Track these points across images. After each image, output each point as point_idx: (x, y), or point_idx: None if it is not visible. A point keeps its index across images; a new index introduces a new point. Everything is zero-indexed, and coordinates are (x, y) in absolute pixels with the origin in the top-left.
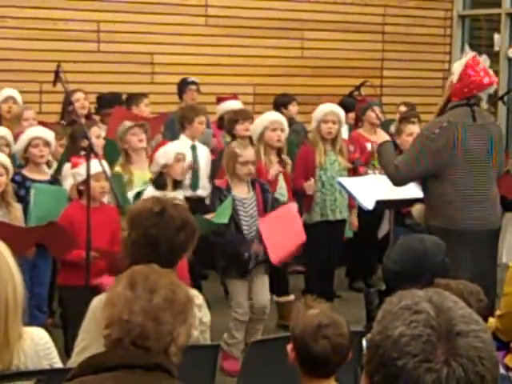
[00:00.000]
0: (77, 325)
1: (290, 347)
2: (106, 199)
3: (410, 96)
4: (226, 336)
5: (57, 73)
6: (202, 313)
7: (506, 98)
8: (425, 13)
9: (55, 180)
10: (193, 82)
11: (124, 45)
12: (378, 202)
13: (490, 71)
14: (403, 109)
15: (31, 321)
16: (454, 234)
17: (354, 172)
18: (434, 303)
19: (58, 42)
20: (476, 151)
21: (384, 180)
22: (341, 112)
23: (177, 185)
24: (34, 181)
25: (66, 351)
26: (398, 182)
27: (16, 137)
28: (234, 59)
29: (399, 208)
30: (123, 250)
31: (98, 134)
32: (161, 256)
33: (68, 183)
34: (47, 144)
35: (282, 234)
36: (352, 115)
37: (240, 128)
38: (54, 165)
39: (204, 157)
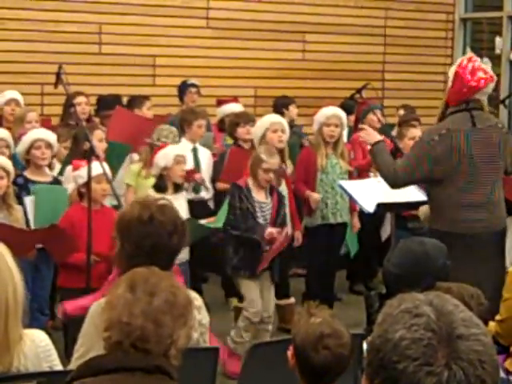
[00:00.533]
0: (77, 327)
1: (290, 353)
2: (107, 201)
3: (411, 99)
4: (233, 334)
5: (58, 75)
6: (201, 315)
7: (507, 102)
8: (426, 16)
9: (56, 182)
10: (193, 85)
11: (125, 47)
12: (379, 205)
13: (487, 69)
14: (402, 112)
15: (32, 323)
16: (457, 237)
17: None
18: (434, 306)
19: (59, 44)
20: (478, 156)
21: (385, 183)
22: (343, 115)
23: (177, 188)
24: (35, 183)
25: (66, 353)
26: (396, 185)
27: (18, 138)
28: (236, 62)
29: (400, 211)
30: (118, 263)
31: (100, 137)
32: (157, 262)
33: (70, 187)
34: (49, 146)
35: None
36: (353, 118)
37: (241, 131)
38: (58, 166)
39: (205, 159)
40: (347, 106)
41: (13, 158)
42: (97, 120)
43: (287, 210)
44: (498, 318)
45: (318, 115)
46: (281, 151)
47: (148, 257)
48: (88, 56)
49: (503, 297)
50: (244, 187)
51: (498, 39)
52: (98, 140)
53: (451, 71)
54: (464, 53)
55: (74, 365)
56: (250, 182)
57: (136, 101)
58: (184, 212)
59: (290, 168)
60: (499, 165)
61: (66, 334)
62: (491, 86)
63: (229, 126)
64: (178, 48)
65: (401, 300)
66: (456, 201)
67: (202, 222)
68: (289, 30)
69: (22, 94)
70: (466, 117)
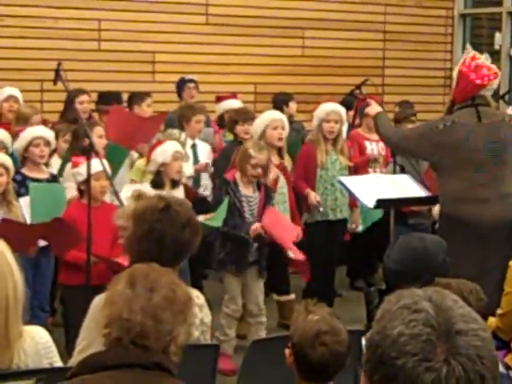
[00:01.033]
0: (78, 324)
1: (288, 352)
2: (107, 197)
3: (411, 95)
4: (217, 333)
5: (57, 71)
6: (203, 313)
7: (507, 97)
8: (426, 11)
9: (54, 179)
10: (191, 80)
11: (125, 43)
12: (379, 201)
13: (491, 66)
14: (398, 109)
15: (33, 320)
16: (462, 222)
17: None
18: (433, 302)
19: (58, 41)
20: (482, 150)
21: (385, 179)
22: (343, 111)
23: (175, 184)
24: (33, 179)
25: (67, 350)
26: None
27: (16, 135)
28: (235, 58)
29: (400, 207)
30: (127, 248)
31: (100, 134)
32: (165, 253)
33: (69, 186)
34: (48, 144)
35: (281, 228)
36: (352, 114)
37: (240, 129)
38: (58, 162)
39: (205, 155)
40: (347, 102)
41: (11, 155)
42: (95, 115)
43: (287, 207)
44: (499, 311)
45: (317, 111)
46: (279, 147)
47: (157, 243)
48: (87, 53)
49: (505, 291)
50: (232, 181)
51: (497, 35)
52: (98, 136)
53: (455, 71)
54: (463, 48)
55: (75, 358)
56: (238, 176)
57: (136, 97)
58: None
59: (288, 164)
60: (506, 158)
61: (66, 330)
62: (496, 82)
63: (228, 122)
64: (177, 44)
65: (399, 296)
66: (462, 195)
67: (201, 218)
68: (288, 26)
69: (22, 90)
70: (471, 112)
